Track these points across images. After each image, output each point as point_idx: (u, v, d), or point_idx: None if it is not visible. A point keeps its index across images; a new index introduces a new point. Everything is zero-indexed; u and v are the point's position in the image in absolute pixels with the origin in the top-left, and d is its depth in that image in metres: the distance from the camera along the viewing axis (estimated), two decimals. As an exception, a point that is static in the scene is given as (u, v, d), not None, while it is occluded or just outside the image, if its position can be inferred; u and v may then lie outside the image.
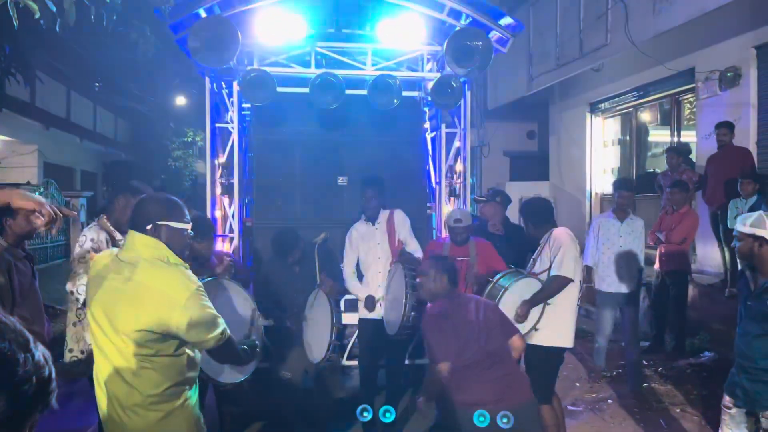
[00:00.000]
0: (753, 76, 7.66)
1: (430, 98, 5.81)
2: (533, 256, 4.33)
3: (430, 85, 5.56)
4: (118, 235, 3.64)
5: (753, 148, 7.44)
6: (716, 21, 7.36)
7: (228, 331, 2.50)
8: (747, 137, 7.56)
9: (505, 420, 2.58)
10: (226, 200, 5.81)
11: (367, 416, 2.63)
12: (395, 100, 5.27)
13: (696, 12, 7.23)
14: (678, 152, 8.09)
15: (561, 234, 4.24)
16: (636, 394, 5.72)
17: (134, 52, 7.00)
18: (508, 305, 3.95)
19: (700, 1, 7.17)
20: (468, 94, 5.72)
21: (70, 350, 3.68)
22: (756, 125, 7.68)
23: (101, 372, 2.47)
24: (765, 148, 7.55)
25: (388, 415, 2.62)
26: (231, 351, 2.61)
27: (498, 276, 4.12)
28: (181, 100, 18.56)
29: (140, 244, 2.44)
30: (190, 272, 2.46)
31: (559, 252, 4.13)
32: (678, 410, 5.34)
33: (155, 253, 2.43)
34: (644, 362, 6.63)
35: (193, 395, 2.57)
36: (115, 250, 2.57)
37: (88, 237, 3.59)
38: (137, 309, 2.35)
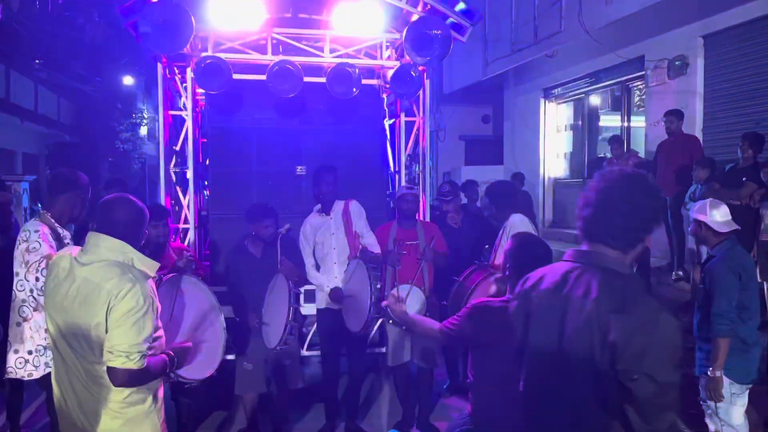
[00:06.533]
0: (700, 65, 7.91)
1: (388, 86, 5.78)
2: (494, 247, 4.38)
3: (390, 73, 5.52)
4: (60, 230, 3.56)
5: (699, 135, 7.71)
6: (666, 10, 7.53)
7: (143, 364, 2.33)
8: (693, 125, 7.81)
9: None
10: (180, 190, 5.66)
11: None
12: (354, 89, 5.22)
13: (647, 1, 7.38)
14: (620, 142, 8.59)
15: (516, 222, 4.31)
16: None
17: (78, 31, 6.68)
18: None
19: (652, -9, 7.33)
20: (427, 82, 5.70)
21: (16, 351, 3.55)
22: (702, 113, 7.95)
23: (61, 378, 2.44)
24: (710, 136, 7.83)
25: None
26: (133, 382, 2.38)
27: (464, 274, 4.12)
28: (128, 80, 17.92)
29: (106, 248, 2.39)
30: (150, 286, 2.40)
31: None
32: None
33: (121, 257, 2.39)
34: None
35: (157, 399, 2.54)
36: (72, 251, 2.51)
37: (32, 230, 3.44)
38: (93, 312, 2.31)
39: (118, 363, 2.28)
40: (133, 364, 2.29)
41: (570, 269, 1.88)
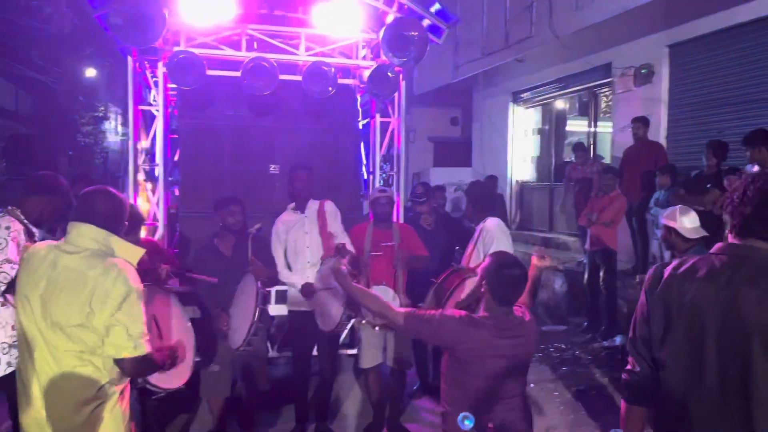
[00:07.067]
0: (665, 73, 8.12)
1: (362, 85, 5.76)
2: (467, 250, 4.40)
3: (366, 73, 5.50)
4: (33, 228, 3.48)
5: (663, 143, 7.91)
6: (633, 19, 7.72)
7: (147, 349, 2.37)
8: (658, 132, 8.01)
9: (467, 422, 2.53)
10: (149, 186, 5.53)
11: (469, 424, 2.52)
12: (330, 88, 5.19)
13: (617, 9, 7.54)
14: (584, 149, 8.95)
15: (491, 226, 4.33)
16: (555, 378, 6.00)
17: (44, 21, 6.46)
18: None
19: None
20: (402, 83, 5.70)
21: None
22: (666, 121, 8.16)
23: (27, 371, 2.40)
24: (674, 143, 8.05)
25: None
26: (143, 369, 2.50)
27: (443, 277, 4.12)
28: (91, 72, 17.45)
29: (89, 238, 2.40)
30: (133, 272, 2.42)
31: (493, 245, 4.21)
32: (594, 393, 5.64)
33: (103, 247, 2.41)
34: (562, 346, 6.97)
35: (123, 396, 2.50)
36: (51, 242, 2.49)
37: (2, 226, 3.35)
38: (76, 300, 2.30)
39: (127, 353, 2.32)
40: (138, 352, 2.33)
41: (730, 263, 1.94)
